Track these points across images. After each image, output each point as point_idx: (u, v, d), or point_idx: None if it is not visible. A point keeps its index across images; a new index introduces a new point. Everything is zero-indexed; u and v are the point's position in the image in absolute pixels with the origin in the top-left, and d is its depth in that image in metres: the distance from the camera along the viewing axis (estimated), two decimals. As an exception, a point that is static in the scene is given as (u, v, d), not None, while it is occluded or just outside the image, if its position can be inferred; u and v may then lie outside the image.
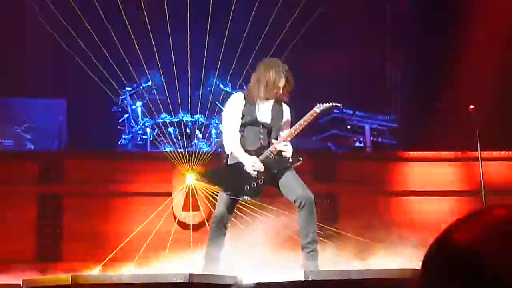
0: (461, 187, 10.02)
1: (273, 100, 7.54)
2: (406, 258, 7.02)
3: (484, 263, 1.21)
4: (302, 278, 6.15)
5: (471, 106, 8.67)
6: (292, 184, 7.32)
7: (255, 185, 7.34)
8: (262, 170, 7.32)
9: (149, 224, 8.86)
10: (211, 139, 11.25)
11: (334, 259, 7.31)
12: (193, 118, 11.16)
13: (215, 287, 6.19)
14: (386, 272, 6.31)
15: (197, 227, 9.28)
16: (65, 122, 11.20)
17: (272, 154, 7.40)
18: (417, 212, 9.80)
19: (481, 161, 8.66)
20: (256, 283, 6.24)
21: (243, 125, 7.45)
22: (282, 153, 7.41)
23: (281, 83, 7.41)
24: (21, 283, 6.42)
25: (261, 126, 7.46)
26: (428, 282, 1.29)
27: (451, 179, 10.11)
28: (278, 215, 7.94)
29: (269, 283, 6.23)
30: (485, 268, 1.20)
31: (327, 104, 7.64)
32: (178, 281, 5.97)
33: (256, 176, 7.33)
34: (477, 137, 8.62)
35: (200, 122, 11.26)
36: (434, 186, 10.01)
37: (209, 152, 10.23)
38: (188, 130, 11.08)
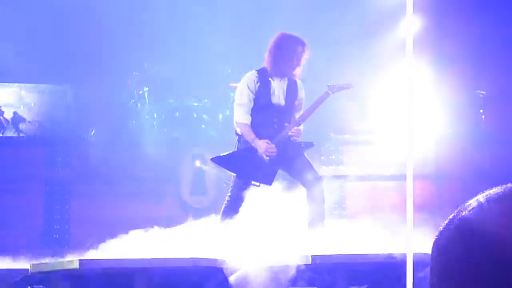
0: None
1: (287, 78, 7.51)
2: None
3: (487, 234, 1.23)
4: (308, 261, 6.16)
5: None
6: (303, 169, 7.34)
7: (268, 171, 7.33)
8: (275, 154, 7.31)
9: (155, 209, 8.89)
10: (218, 124, 11.23)
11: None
12: (201, 102, 11.15)
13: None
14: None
15: (205, 211, 9.28)
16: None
17: (284, 138, 7.39)
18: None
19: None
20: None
21: (256, 108, 7.42)
22: (294, 137, 7.40)
23: (296, 60, 7.38)
24: (29, 268, 6.45)
25: (274, 108, 7.44)
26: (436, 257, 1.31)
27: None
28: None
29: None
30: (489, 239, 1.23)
31: (339, 85, 7.62)
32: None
33: (268, 161, 7.32)
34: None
35: (207, 107, 11.24)
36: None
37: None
38: (195, 115, 11.06)
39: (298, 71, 7.52)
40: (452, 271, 1.25)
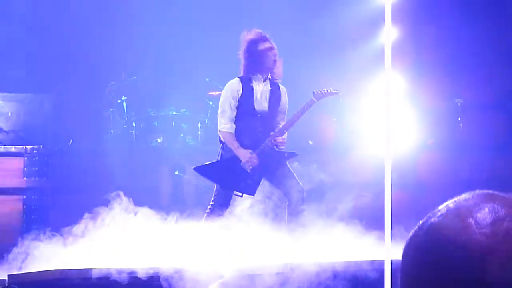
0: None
1: (269, 82, 7.51)
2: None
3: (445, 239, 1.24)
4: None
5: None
6: (285, 179, 7.34)
7: (251, 182, 7.33)
8: (257, 164, 7.31)
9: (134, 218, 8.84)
10: (197, 133, 11.21)
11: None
12: (179, 112, 11.13)
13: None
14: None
15: (184, 220, 9.25)
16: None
17: (268, 147, 7.38)
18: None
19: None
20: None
21: (239, 116, 7.41)
22: (278, 146, 7.40)
23: (270, 55, 7.38)
24: (6, 278, 6.40)
25: (258, 115, 7.43)
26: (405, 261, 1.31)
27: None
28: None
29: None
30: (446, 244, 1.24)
31: (324, 90, 7.62)
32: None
33: (251, 171, 7.32)
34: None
35: (185, 116, 11.22)
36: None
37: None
38: (173, 124, 11.04)
39: (276, 70, 7.53)
40: (421, 276, 1.26)
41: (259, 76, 7.49)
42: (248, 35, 7.52)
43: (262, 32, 7.53)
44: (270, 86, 7.54)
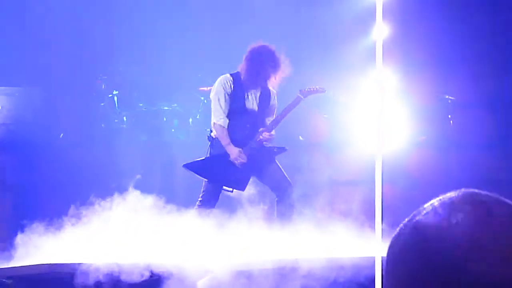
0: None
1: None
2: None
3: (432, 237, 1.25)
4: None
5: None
6: (274, 175, 7.37)
7: (241, 177, 7.35)
8: (245, 162, 7.33)
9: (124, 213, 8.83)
10: (188, 128, 11.20)
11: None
12: (170, 107, 11.11)
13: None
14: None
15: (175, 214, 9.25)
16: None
17: (256, 143, 7.41)
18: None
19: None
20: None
21: (230, 112, 7.44)
22: (267, 142, 7.43)
23: (270, 71, 7.40)
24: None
25: (247, 113, 7.46)
26: (391, 259, 1.32)
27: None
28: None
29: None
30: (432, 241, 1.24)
31: (311, 88, 7.65)
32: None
33: (240, 167, 7.34)
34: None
35: (177, 111, 11.20)
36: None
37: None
38: (164, 119, 11.03)
39: (272, 84, 7.57)
40: (406, 274, 1.27)
41: (252, 85, 7.54)
42: (252, 48, 7.53)
43: (268, 47, 7.52)
44: (261, 88, 7.58)
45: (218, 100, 7.50)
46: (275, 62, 7.48)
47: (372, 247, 6.30)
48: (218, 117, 7.49)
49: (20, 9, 10.98)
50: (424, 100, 10.95)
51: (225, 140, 7.44)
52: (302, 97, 7.68)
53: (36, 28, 10.96)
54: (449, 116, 10.94)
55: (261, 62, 7.44)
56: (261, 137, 7.45)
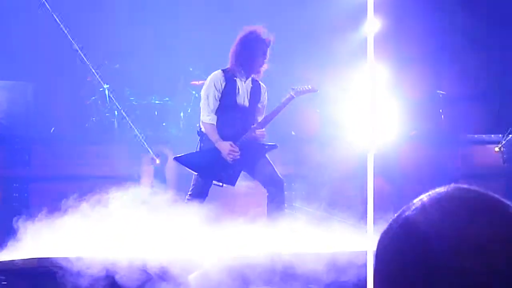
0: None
1: (251, 79, 7.53)
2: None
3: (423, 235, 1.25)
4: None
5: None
6: (265, 171, 7.37)
7: (231, 172, 7.34)
8: (238, 157, 7.33)
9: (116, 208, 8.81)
10: (180, 122, 11.18)
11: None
12: (162, 101, 11.09)
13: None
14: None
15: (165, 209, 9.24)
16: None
17: (248, 140, 7.41)
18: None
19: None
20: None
21: (221, 108, 7.43)
22: (258, 139, 7.43)
23: (263, 57, 7.39)
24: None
25: (238, 109, 7.46)
26: (379, 254, 1.32)
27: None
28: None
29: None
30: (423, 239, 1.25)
31: (304, 88, 7.65)
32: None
33: (231, 162, 7.33)
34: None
35: (168, 105, 11.18)
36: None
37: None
38: (156, 113, 11.01)
39: (262, 70, 7.56)
40: (395, 270, 1.27)
41: (242, 72, 7.51)
42: (248, 31, 7.50)
43: (263, 32, 7.50)
44: (252, 83, 7.58)
45: (207, 97, 7.50)
46: (267, 47, 7.47)
47: (364, 241, 6.31)
48: (206, 115, 7.49)
49: (12, 5, 10.94)
50: (416, 95, 10.97)
51: (214, 137, 7.44)
52: (294, 95, 7.69)
53: (27, 22, 10.93)
54: (440, 110, 10.96)
55: (257, 48, 7.42)
56: (253, 134, 7.45)
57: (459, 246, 1.21)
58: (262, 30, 7.53)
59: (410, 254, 1.25)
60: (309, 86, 7.84)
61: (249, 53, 7.43)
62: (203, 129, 7.59)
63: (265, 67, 7.54)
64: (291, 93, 7.68)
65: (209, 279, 6.20)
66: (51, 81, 10.96)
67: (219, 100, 7.47)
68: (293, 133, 10.81)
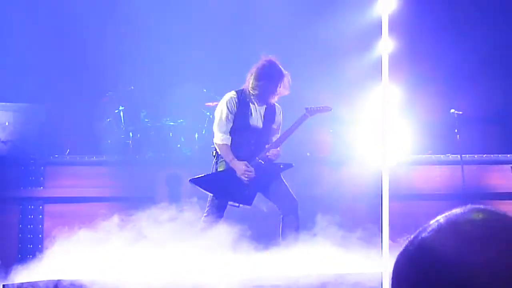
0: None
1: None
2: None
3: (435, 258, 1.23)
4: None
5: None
6: (279, 192, 7.37)
7: (247, 192, 7.34)
8: (253, 176, 7.34)
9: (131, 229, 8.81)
10: (194, 143, 11.18)
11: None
12: (176, 122, 11.10)
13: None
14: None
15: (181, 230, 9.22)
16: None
17: (263, 160, 7.41)
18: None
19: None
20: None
21: (234, 129, 7.45)
22: (273, 159, 7.44)
23: (279, 88, 7.42)
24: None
25: (252, 130, 7.47)
26: (395, 276, 1.31)
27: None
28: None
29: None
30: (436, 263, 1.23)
31: (319, 108, 7.67)
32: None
33: (247, 183, 7.33)
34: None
35: (183, 126, 11.19)
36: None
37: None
38: (170, 134, 11.02)
39: (279, 96, 7.61)
40: None
41: (258, 100, 7.55)
42: (266, 63, 7.53)
43: (278, 65, 7.54)
44: (266, 105, 7.60)
45: (220, 119, 7.52)
46: (283, 79, 7.50)
47: (378, 262, 6.27)
48: (219, 136, 7.51)
49: (26, 26, 11.01)
50: (431, 115, 10.94)
51: (229, 157, 7.45)
52: (308, 115, 7.71)
53: (42, 44, 10.99)
54: (456, 130, 10.91)
55: (273, 80, 7.45)
56: (268, 154, 7.45)
57: (477, 272, 1.20)
58: (278, 65, 7.56)
59: (426, 276, 1.23)
60: (323, 106, 7.86)
61: (265, 84, 7.46)
62: (218, 150, 7.60)
63: (284, 93, 7.58)
64: (305, 113, 7.69)
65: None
66: (65, 103, 11.00)
67: (233, 121, 7.48)
68: (308, 154, 10.79)
